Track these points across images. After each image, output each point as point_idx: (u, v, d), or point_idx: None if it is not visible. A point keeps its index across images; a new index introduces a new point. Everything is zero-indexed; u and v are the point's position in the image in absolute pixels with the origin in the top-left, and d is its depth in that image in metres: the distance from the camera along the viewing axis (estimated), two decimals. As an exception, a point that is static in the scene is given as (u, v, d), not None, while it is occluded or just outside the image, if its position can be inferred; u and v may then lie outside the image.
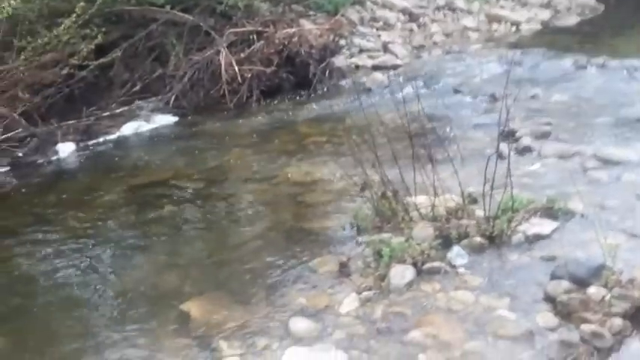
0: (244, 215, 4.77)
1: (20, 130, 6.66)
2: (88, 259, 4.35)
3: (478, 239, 3.67)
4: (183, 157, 6.22)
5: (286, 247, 4.08)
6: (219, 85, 7.48)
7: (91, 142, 6.75)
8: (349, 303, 3.34)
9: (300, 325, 3.19)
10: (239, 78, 7.41)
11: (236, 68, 7.41)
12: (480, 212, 3.85)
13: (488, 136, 5.08)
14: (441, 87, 7.21)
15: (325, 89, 7.78)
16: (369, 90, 7.39)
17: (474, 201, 4.02)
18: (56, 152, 6.50)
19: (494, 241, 3.65)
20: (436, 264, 3.51)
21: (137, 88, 7.66)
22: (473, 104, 6.58)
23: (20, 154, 6.46)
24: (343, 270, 3.65)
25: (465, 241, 3.66)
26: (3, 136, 6.45)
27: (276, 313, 3.33)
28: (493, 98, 6.39)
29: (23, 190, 5.77)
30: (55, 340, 3.51)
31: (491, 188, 3.68)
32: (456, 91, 7.04)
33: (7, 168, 6.23)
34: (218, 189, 5.34)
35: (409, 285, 3.40)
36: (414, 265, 3.52)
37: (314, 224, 4.38)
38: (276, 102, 7.62)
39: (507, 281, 3.34)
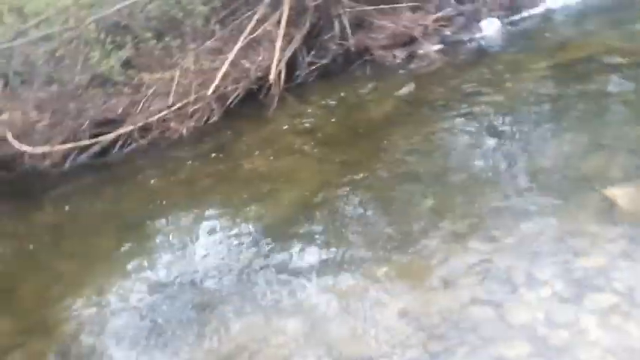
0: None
1: (450, 9, 6.96)
2: (508, 134, 4.41)
3: None
4: (614, 30, 5.55)
5: None
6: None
7: (515, 18, 6.61)
8: None
9: None
10: None
11: None
12: None
13: None
14: None
15: None
16: None
17: None
18: (480, 29, 6.61)
19: None
20: None
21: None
22: None
23: (448, 33, 6.79)
24: None
25: None
26: (434, 16, 6.85)
27: None
28: None
29: (449, 67, 6.10)
30: (465, 206, 3.69)
31: None
32: None
33: (439, 46, 6.64)
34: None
35: None
36: None
37: None
38: None
39: None
